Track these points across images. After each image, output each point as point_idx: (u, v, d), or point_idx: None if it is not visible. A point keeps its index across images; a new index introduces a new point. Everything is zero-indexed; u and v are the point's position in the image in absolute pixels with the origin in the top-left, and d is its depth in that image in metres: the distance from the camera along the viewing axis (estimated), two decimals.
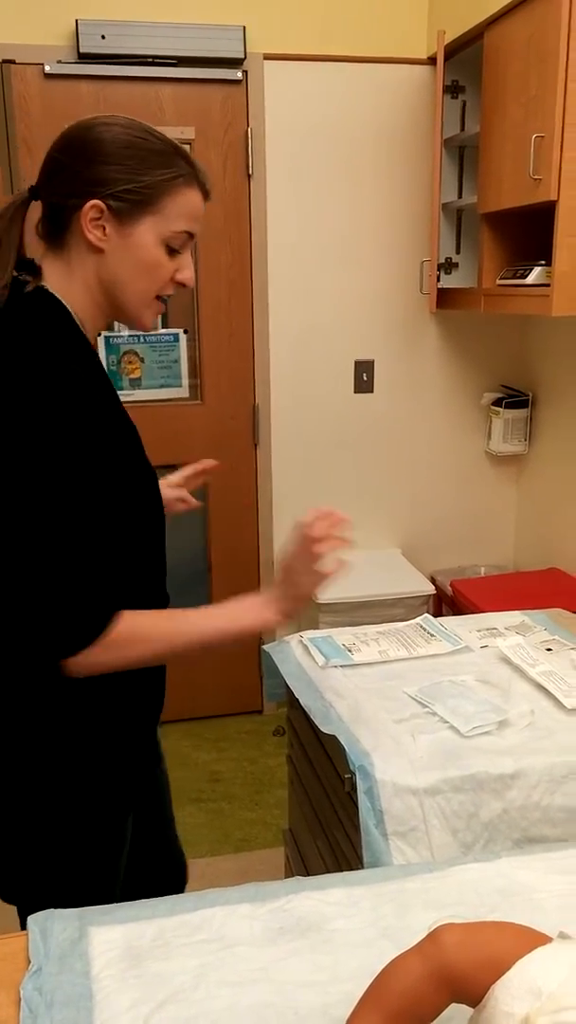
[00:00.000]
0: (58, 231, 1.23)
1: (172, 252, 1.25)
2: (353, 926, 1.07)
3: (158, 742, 1.55)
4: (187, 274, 1.28)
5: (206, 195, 1.28)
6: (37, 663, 1.21)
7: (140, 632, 1.22)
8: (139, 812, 1.52)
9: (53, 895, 1.32)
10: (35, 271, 1.25)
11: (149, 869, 1.63)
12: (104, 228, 1.20)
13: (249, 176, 3.03)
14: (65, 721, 1.29)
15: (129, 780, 1.38)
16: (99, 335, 2.94)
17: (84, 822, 1.33)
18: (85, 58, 2.81)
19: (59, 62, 2.81)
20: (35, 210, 1.27)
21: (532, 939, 0.85)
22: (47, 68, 2.80)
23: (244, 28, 2.86)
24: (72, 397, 1.14)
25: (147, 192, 1.20)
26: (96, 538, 1.17)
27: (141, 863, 1.58)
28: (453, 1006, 0.85)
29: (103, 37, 2.79)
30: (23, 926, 1.34)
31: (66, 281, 1.23)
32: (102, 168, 1.19)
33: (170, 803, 1.67)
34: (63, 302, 1.23)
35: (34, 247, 1.28)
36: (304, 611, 1.33)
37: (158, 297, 1.28)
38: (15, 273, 1.24)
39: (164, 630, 1.25)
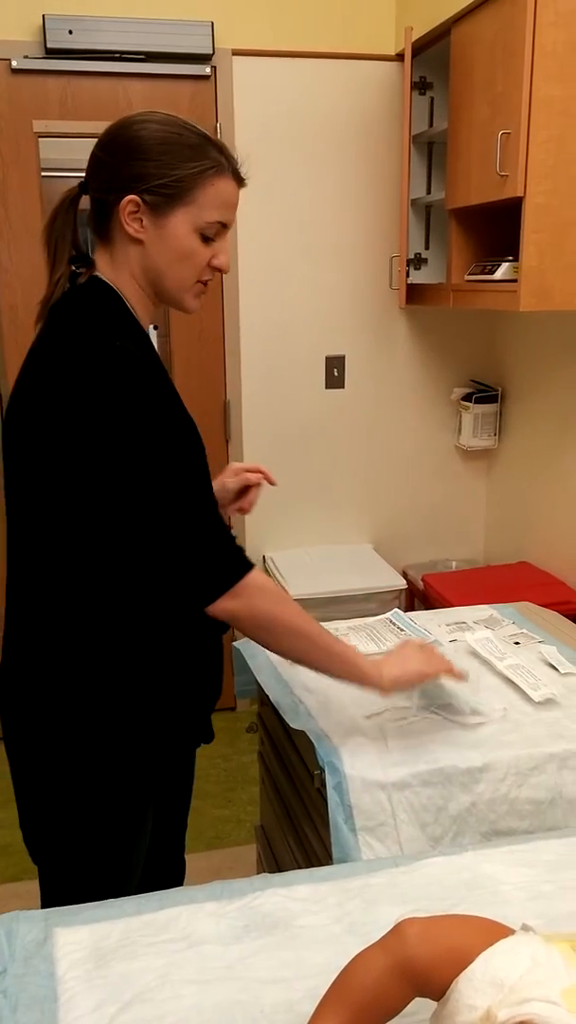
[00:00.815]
0: (103, 224, 1.30)
1: (207, 240, 1.30)
2: (319, 922, 1.08)
3: (194, 747, 1.56)
4: (222, 259, 1.33)
5: (240, 182, 1.32)
6: (186, 606, 1.28)
7: (274, 591, 1.30)
8: (162, 805, 1.52)
9: (71, 864, 1.37)
10: (89, 263, 1.33)
11: (158, 864, 1.63)
12: (141, 220, 1.27)
13: None
14: (114, 692, 1.32)
15: (156, 765, 1.39)
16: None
17: (107, 795, 1.34)
18: (52, 53, 2.79)
19: (26, 57, 2.78)
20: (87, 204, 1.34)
21: (495, 932, 0.85)
22: (14, 63, 2.78)
23: (212, 24, 2.85)
24: (145, 371, 1.22)
25: (179, 185, 1.25)
26: (209, 493, 1.29)
27: (153, 857, 1.59)
28: (418, 1000, 0.85)
29: (70, 32, 2.76)
30: (42, 896, 1.38)
31: (114, 271, 1.31)
32: (137, 164, 1.25)
33: (189, 796, 1.69)
34: (116, 289, 1.31)
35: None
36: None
37: (198, 281, 1.34)
38: (72, 267, 1.33)
39: (301, 614, 1.33)
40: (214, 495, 1.31)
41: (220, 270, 1.34)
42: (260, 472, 1.64)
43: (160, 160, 1.25)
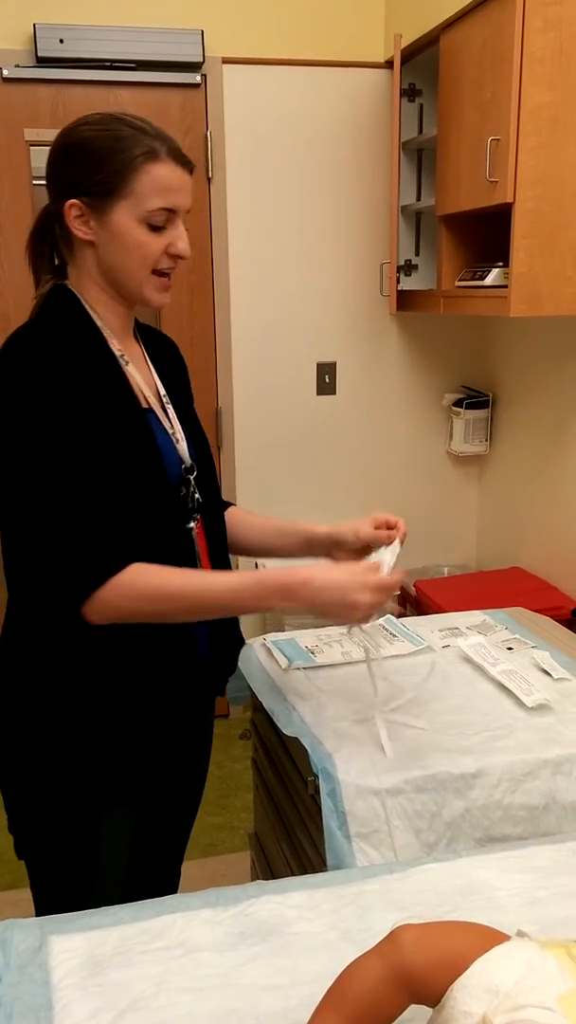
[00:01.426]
0: (63, 234, 1.32)
1: (156, 228, 1.28)
2: (314, 929, 1.08)
3: (186, 750, 1.56)
4: (180, 246, 1.31)
5: (184, 165, 1.29)
6: (57, 612, 1.25)
7: (150, 578, 1.24)
8: (147, 812, 1.52)
9: (38, 864, 1.41)
10: (62, 273, 1.34)
11: (149, 872, 1.64)
12: (88, 222, 1.27)
13: (209, 180, 3.03)
14: (65, 694, 1.32)
15: (114, 772, 1.38)
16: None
17: (58, 798, 1.36)
18: (43, 62, 2.80)
19: (17, 66, 2.79)
20: None
21: (490, 938, 0.85)
22: (5, 72, 2.78)
23: (202, 32, 2.86)
24: (59, 378, 1.22)
25: (113, 179, 1.24)
26: (94, 498, 1.23)
27: (142, 864, 1.58)
28: (413, 1007, 0.85)
29: (61, 41, 2.77)
30: (33, 891, 1.42)
31: (78, 278, 1.33)
32: (72, 168, 1.27)
33: (192, 807, 1.69)
34: (77, 295, 1.32)
35: None
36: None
37: (157, 272, 1.31)
38: (52, 278, 1.35)
39: (177, 583, 1.26)
40: (99, 507, 1.24)
41: (179, 256, 1.31)
42: (395, 528, 1.63)
43: (92, 159, 1.24)
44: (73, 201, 1.26)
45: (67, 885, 1.42)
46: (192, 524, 1.40)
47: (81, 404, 1.24)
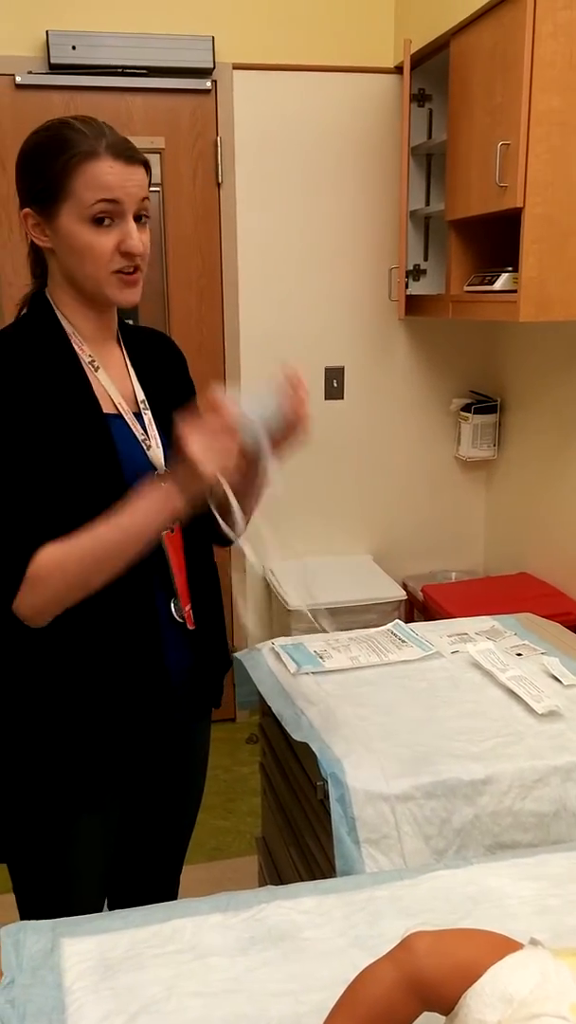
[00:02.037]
0: (35, 244, 1.33)
1: (102, 225, 1.25)
2: (325, 935, 1.07)
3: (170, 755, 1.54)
4: (129, 243, 1.27)
5: (126, 160, 1.26)
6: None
7: (57, 557, 1.22)
8: (131, 819, 1.52)
9: (17, 868, 1.43)
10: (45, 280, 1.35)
11: (144, 878, 1.63)
12: (44, 230, 1.28)
13: (219, 185, 3.03)
14: (31, 704, 1.32)
15: (84, 780, 1.37)
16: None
17: (31, 804, 1.36)
18: (56, 69, 2.81)
19: (30, 72, 2.80)
20: None
21: (503, 946, 0.85)
22: (18, 79, 2.79)
23: (213, 38, 2.87)
24: (12, 383, 1.24)
25: (53, 184, 1.25)
26: (24, 504, 1.23)
27: (128, 871, 1.58)
28: (426, 1014, 0.85)
29: (73, 48, 2.78)
30: (16, 895, 1.43)
31: (52, 284, 1.34)
32: (23, 179, 1.29)
33: (185, 814, 1.67)
34: (51, 300, 1.33)
35: None
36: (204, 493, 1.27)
37: (117, 272, 1.28)
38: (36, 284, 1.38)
39: (82, 546, 1.23)
40: (26, 513, 1.25)
41: (131, 253, 1.27)
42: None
43: (36, 166, 1.26)
44: (27, 210, 1.28)
45: (45, 889, 1.42)
46: (164, 531, 1.36)
47: (33, 411, 1.24)
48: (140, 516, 1.23)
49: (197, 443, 1.21)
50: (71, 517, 1.24)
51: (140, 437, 1.36)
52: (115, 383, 1.36)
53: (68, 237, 1.26)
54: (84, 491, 1.27)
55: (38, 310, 1.34)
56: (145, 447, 1.36)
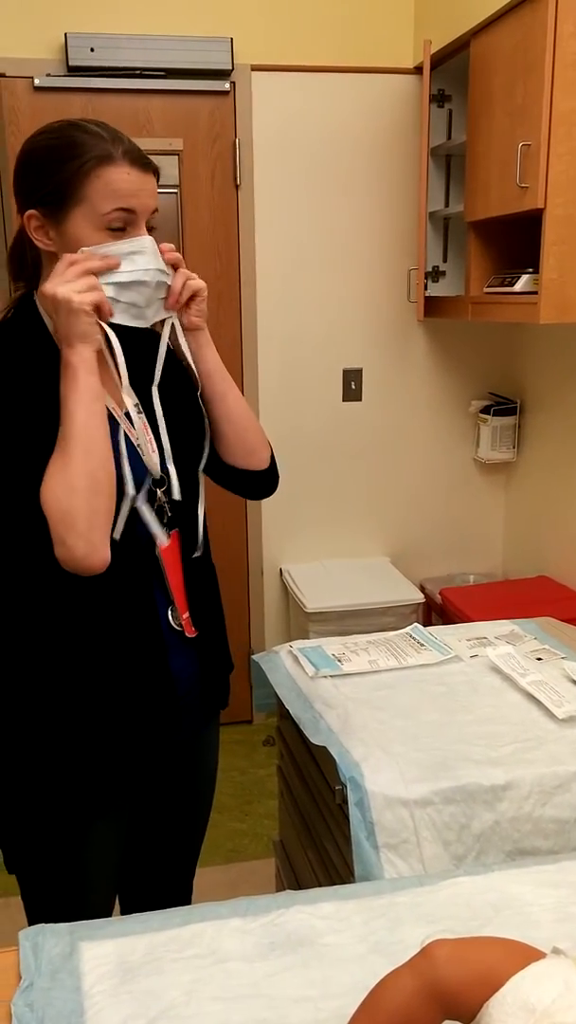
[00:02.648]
0: (33, 244, 1.29)
1: (118, 232, 1.24)
2: (344, 941, 1.07)
3: (176, 758, 1.54)
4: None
5: (142, 167, 1.25)
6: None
7: (55, 482, 1.19)
8: (141, 826, 1.52)
9: (28, 879, 1.42)
10: (37, 283, 1.32)
11: (154, 883, 1.63)
12: (48, 232, 1.26)
13: (237, 187, 3.03)
14: (41, 713, 1.32)
15: (95, 786, 1.38)
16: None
17: (42, 813, 1.36)
18: (74, 71, 2.82)
19: (48, 75, 2.81)
20: None
21: (525, 954, 0.84)
22: (37, 81, 2.80)
23: (231, 40, 2.87)
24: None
25: (64, 187, 1.22)
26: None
27: (140, 874, 1.58)
28: (446, 1023, 0.84)
29: (92, 50, 2.79)
30: (24, 904, 1.43)
31: (43, 285, 1.27)
32: (28, 180, 1.25)
33: (196, 819, 1.66)
34: (39, 304, 1.30)
35: None
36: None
37: None
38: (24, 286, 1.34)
39: (62, 461, 1.20)
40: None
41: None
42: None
43: (44, 168, 1.23)
44: (31, 212, 1.25)
45: (57, 897, 1.42)
46: (162, 540, 1.36)
47: (22, 414, 1.22)
48: (67, 399, 1.20)
49: (50, 285, 1.19)
50: None
51: (135, 440, 1.33)
52: (105, 386, 1.30)
53: (79, 242, 1.23)
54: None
55: (22, 314, 1.32)
56: (140, 452, 1.34)
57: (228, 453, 1.52)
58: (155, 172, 1.28)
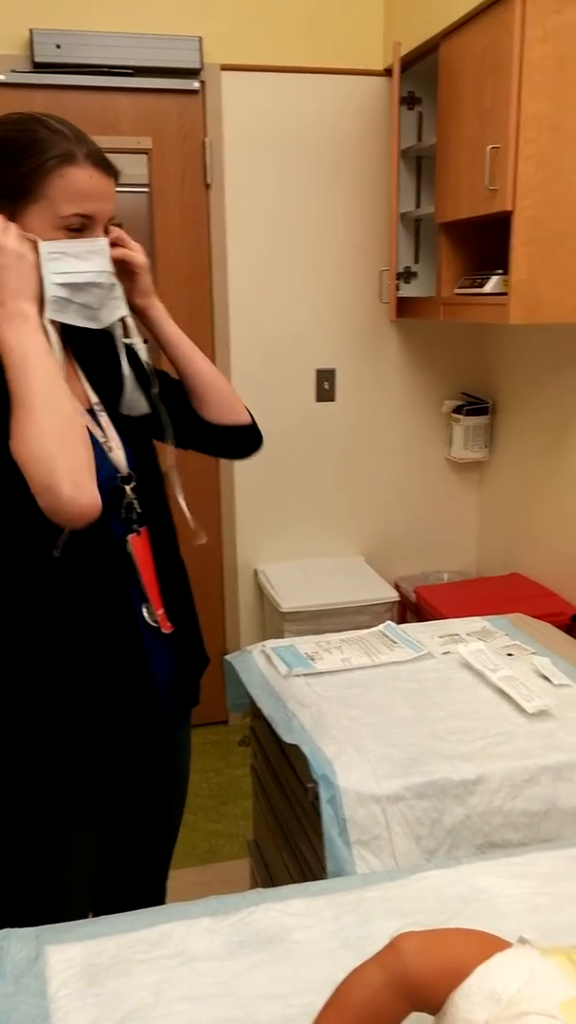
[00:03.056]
0: None
1: (75, 233, 1.23)
2: (314, 937, 1.07)
3: (155, 761, 1.53)
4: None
5: (104, 170, 1.24)
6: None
7: (24, 434, 1.15)
8: (117, 828, 1.51)
9: (4, 883, 1.39)
10: None
11: (128, 886, 1.62)
12: None
13: (207, 186, 3.03)
14: (11, 718, 1.30)
15: (75, 790, 1.36)
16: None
17: (20, 820, 1.35)
18: (40, 67, 2.80)
19: (13, 71, 2.79)
20: None
21: (492, 945, 0.85)
22: (1, 77, 2.78)
23: (200, 39, 2.86)
24: None
25: (24, 182, 1.20)
26: None
27: (114, 878, 1.57)
28: (415, 1015, 0.84)
29: (58, 46, 2.77)
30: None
31: None
32: None
33: (169, 827, 1.65)
34: None
35: None
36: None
37: None
38: None
39: (23, 413, 1.17)
40: None
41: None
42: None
43: (3, 160, 1.20)
44: None
45: (35, 904, 1.41)
46: (131, 535, 1.36)
47: None
48: (19, 351, 1.18)
49: None
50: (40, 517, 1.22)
51: (100, 439, 1.33)
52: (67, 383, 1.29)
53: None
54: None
55: None
56: (107, 450, 1.33)
57: (210, 411, 1.54)
58: (116, 176, 1.27)
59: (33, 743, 1.32)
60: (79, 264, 1.23)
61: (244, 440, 1.59)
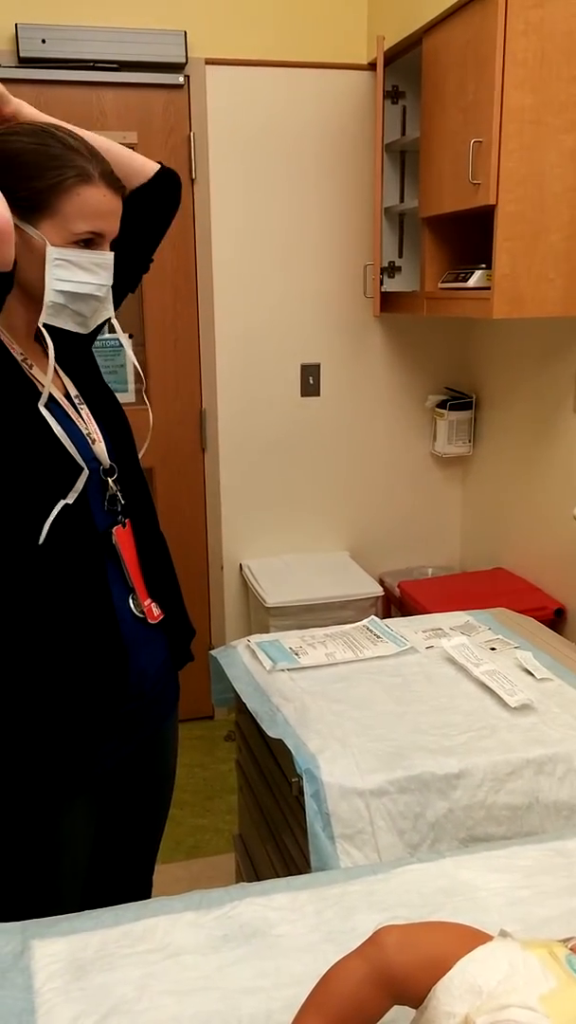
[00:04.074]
0: None
1: (82, 246, 1.25)
2: (297, 931, 1.07)
3: (146, 747, 1.53)
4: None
5: (116, 190, 1.27)
6: None
7: None
8: (115, 814, 1.51)
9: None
10: None
11: (115, 880, 1.62)
12: None
13: (192, 181, 3.02)
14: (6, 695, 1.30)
15: (64, 770, 1.36)
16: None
17: (9, 802, 1.34)
18: (25, 62, 2.78)
19: None
20: None
21: (473, 938, 0.86)
22: None
23: (185, 33, 2.85)
24: None
25: (39, 197, 1.21)
26: None
27: (101, 872, 1.57)
28: (396, 1008, 0.85)
29: (43, 41, 2.76)
30: None
31: None
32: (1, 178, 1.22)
33: (157, 817, 1.65)
34: None
35: None
36: None
37: None
38: None
39: None
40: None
41: None
42: None
43: (20, 172, 1.22)
44: None
45: (29, 894, 1.40)
46: (115, 527, 1.37)
47: None
48: None
49: None
50: (28, 505, 1.24)
51: (83, 430, 1.35)
52: (46, 380, 1.31)
53: (43, 250, 1.23)
54: (37, 484, 1.26)
55: None
56: (90, 441, 1.35)
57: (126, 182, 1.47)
58: (124, 195, 1.30)
59: (19, 730, 1.32)
60: (84, 275, 1.26)
61: (163, 189, 1.53)
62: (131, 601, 1.40)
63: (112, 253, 1.29)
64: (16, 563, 1.27)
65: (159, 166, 1.50)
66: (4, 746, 1.33)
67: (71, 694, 1.33)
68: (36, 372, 1.32)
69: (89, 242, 1.26)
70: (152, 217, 1.53)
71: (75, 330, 1.31)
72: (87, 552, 1.33)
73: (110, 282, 1.30)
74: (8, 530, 1.25)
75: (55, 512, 1.26)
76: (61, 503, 1.27)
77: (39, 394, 1.28)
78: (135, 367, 1.45)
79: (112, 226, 1.28)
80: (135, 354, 1.44)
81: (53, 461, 1.28)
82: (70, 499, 1.28)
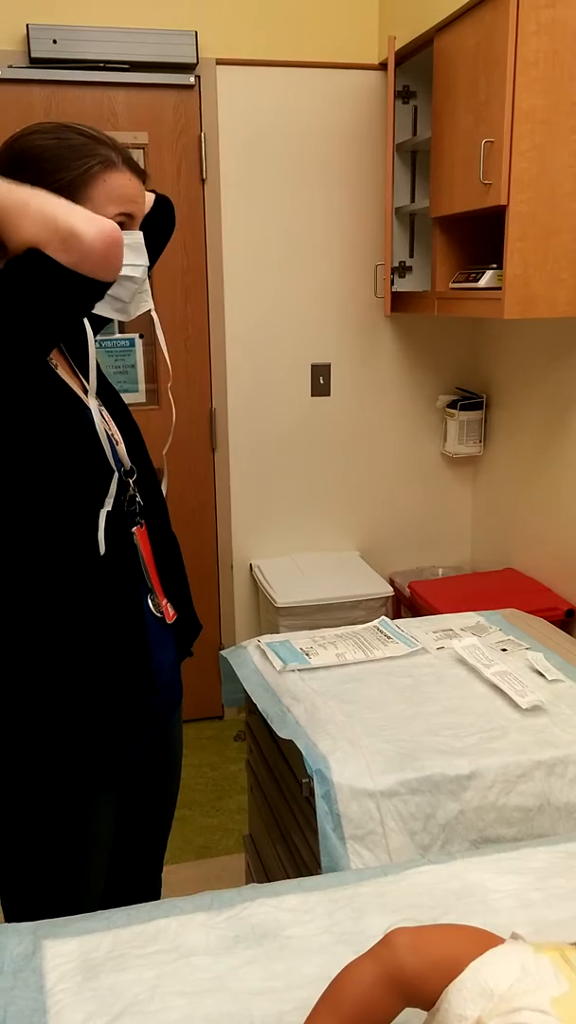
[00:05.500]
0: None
1: None
2: (308, 932, 1.07)
3: (161, 742, 1.53)
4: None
5: (138, 174, 1.29)
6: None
7: None
8: (126, 812, 1.51)
9: (16, 878, 1.37)
10: None
11: (126, 880, 1.62)
12: None
13: (203, 181, 3.02)
14: (28, 694, 1.30)
15: (93, 766, 1.36)
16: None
17: (41, 800, 1.34)
18: (37, 63, 2.79)
19: (10, 67, 2.78)
20: None
21: (484, 941, 0.85)
22: None
23: (196, 33, 2.86)
24: None
25: (68, 188, 1.22)
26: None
27: (111, 871, 1.58)
28: (408, 1010, 0.85)
29: (55, 42, 2.76)
30: (5, 913, 1.38)
31: None
32: (25, 176, 1.23)
33: (166, 814, 1.65)
34: None
35: None
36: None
37: None
38: None
39: None
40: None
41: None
42: None
43: (45, 168, 1.23)
44: None
45: (53, 893, 1.39)
46: (135, 528, 1.38)
47: (21, 405, 1.22)
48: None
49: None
50: (68, 510, 1.24)
51: (109, 432, 1.36)
52: (72, 381, 1.34)
53: None
54: (76, 483, 1.27)
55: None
56: (114, 443, 1.37)
57: None
58: (145, 179, 1.32)
59: (48, 725, 1.32)
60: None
61: (161, 216, 1.55)
62: (150, 601, 1.41)
63: (141, 232, 1.30)
64: (65, 571, 1.26)
65: (154, 194, 1.53)
66: (36, 746, 1.33)
67: (100, 694, 1.34)
68: (61, 372, 1.32)
69: (120, 226, 1.26)
70: (151, 242, 1.56)
71: (116, 317, 1.32)
72: (123, 556, 1.34)
73: (147, 263, 1.31)
74: (48, 536, 1.24)
75: (102, 521, 1.27)
76: (104, 512, 1.28)
77: (70, 396, 1.29)
78: (166, 362, 1.46)
79: (141, 208, 1.29)
80: (145, 354, 1.44)
81: (90, 464, 1.29)
82: (108, 506, 1.29)
